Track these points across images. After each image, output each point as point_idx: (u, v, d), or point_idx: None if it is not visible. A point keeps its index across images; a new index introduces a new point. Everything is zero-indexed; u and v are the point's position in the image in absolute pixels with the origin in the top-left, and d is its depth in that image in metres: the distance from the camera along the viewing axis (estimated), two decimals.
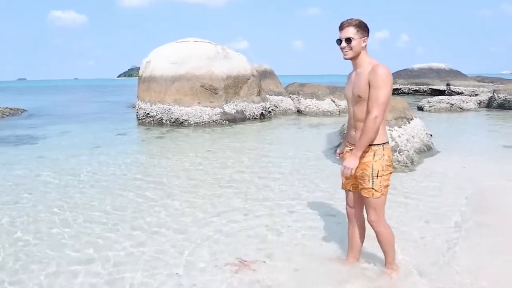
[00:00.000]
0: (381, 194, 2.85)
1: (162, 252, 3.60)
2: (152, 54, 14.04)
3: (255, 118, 13.54)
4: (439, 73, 29.19)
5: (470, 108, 17.04)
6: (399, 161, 6.64)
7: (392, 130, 7.23)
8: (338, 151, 3.33)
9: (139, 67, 14.82)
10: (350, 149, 2.94)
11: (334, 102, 16.76)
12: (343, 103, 16.94)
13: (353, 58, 2.86)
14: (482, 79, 28.10)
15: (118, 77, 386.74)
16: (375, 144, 2.80)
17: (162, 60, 13.40)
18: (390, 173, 2.89)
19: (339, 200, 4.92)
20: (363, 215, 3.14)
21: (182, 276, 3.17)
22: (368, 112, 2.73)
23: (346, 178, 3.04)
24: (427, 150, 7.71)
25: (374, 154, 2.81)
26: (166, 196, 5.31)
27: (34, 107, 21.64)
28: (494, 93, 17.97)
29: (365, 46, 2.84)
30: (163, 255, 3.54)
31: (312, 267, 3.30)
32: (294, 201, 4.97)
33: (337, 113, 16.15)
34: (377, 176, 2.82)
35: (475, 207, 4.74)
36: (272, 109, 14.83)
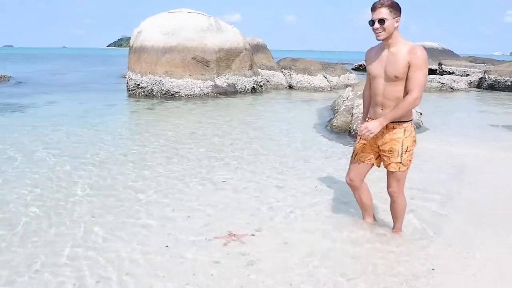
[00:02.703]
0: (406, 168, 3.03)
1: (151, 225, 3.63)
2: (143, 23, 13.75)
3: (246, 92, 13.47)
4: (431, 52, 29.10)
5: (461, 88, 17.13)
6: None
7: None
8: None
9: (129, 37, 14.54)
10: None
11: (326, 78, 16.72)
12: (334, 79, 16.90)
13: (386, 38, 2.85)
14: (473, 59, 28.14)
15: (107, 46, 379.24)
16: (405, 121, 2.93)
17: (153, 31, 13.15)
18: (414, 147, 3.04)
19: (328, 175, 4.98)
20: (364, 181, 3.37)
21: (171, 248, 3.21)
22: (408, 92, 2.78)
23: (363, 151, 3.17)
24: (416, 128, 7.76)
25: (404, 131, 2.94)
26: (155, 168, 5.31)
27: (22, 75, 21.20)
28: (485, 74, 18.05)
29: (397, 26, 2.83)
30: (152, 228, 3.58)
31: (300, 240, 3.36)
32: (284, 176, 5.02)
33: (329, 89, 16.14)
34: (406, 151, 2.97)
35: (462, 182, 4.84)
36: (263, 84, 14.76)
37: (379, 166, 3.28)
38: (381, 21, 2.77)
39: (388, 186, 3.17)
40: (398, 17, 2.81)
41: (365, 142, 3.15)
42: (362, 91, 3.43)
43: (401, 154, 2.97)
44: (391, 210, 3.35)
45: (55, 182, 4.68)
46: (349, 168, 3.35)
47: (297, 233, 3.49)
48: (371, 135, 2.87)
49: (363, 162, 3.23)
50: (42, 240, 3.30)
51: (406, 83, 2.82)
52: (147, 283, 2.73)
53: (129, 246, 3.23)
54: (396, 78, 2.83)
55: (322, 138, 7.20)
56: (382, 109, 2.96)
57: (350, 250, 3.20)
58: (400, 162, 3.00)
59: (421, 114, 8.49)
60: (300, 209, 3.99)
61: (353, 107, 7.75)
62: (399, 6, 2.81)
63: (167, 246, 3.25)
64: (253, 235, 3.44)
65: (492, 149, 6.65)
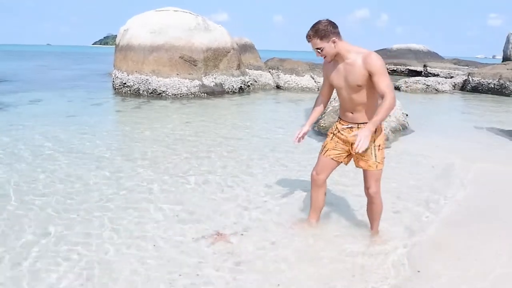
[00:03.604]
0: (382, 166, 3.12)
1: (138, 225, 3.60)
2: (130, 21, 13.62)
3: (234, 91, 13.45)
4: (417, 54, 29.46)
5: (445, 90, 17.36)
6: None
7: None
8: (300, 134, 3.32)
9: (115, 35, 14.40)
10: (348, 127, 3.11)
11: (313, 78, 16.78)
12: (321, 80, 16.96)
13: (336, 55, 2.94)
14: (458, 61, 28.57)
15: (93, 44, 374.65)
16: None
17: (140, 29, 13.03)
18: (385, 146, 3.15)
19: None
20: (326, 182, 3.41)
21: (157, 248, 3.18)
22: (382, 95, 2.81)
23: (335, 148, 3.22)
24: (402, 129, 7.86)
25: (376, 130, 2.98)
26: (141, 168, 5.26)
27: (4, 72, 20.80)
28: (469, 76, 18.33)
29: (339, 40, 2.88)
30: (140, 228, 3.54)
31: (288, 240, 3.37)
32: (271, 176, 5.02)
33: (316, 89, 16.18)
34: (379, 149, 3.06)
35: (446, 183, 4.91)
36: (251, 83, 14.75)
37: (346, 164, 3.36)
38: (319, 50, 2.89)
39: (368, 188, 3.21)
40: (333, 37, 2.85)
41: (338, 139, 3.21)
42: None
43: (375, 152, 3.06)
44: (368, 212, 3.40)
45: (35, 181, 4.60)
46: (317, 163, 3.37)
47: (285, 233, 3.49)
48: (365, 146, 2.74)
49: (332, 158, 3.27)
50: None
51: (371, 88, 2.90)
52: (132, 283, 2.70)
53: (115, 244, 3.20)
54: (359, 86, 2.93)
55: (309, 138, 7.22)
56: (352, 113, 3.07)
57: (337, 251, 3.22)
58: (376, 161, 3.07)
59: (407, 115, 8.58)
60: (288, 209, 3.99)
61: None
62: (328, 27, 2.84)
63: (154, 245, 3.22)
64: (242, 234, 3.44)
65: (477, 150, 6.76)
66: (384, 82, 2.80)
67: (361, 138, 2.73)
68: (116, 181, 4.70)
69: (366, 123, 2.99)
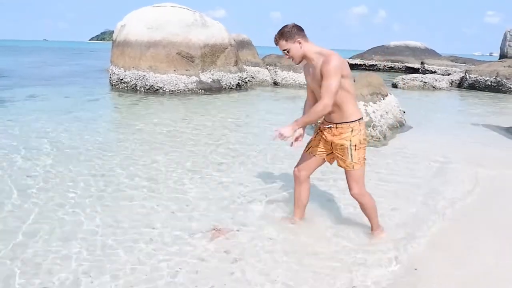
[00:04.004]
0: (360, 166, 3.07)
1: (135, 221, 3.59)
2: (127, 17, 13.56)
3: (231, 88, 13.42)
4: (414, 51, 29.50)
5: (442, 87, 17.40)
6: (372, 136, 6.77)
7: (367, 106, 7.34)
8: (293, 139, 3.35)
9: (112, 30, 14.34)
10: (328, 127, 3.13)
11: None
12: None
13: (303, 58, 3.04)
14: (455, 59, 28.60)
15: (90, 40, 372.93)
16: (352, 121, 3.02)
17: (137, 25, 12.97)
18: (366, 145, 3.12)
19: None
20: (309, 178, 3.45)
21: (155, 244, 3.18)
22: (320, 98, 2.89)
23: (318, 145, 3.27)
24: (399, 126, 7.87)
25: (352, 130, 3.02)
26: (138, 164, 5.25)
27: (0, 67, 20.70)
28: (466, 74, 18.36)
29: (305, 42, 2.98)
30: (136, 223, 3.54)
31: (285, 236, 3.37)
32: (269, 172, 5.02)
33: None
34: (355, 149, 3.03)
35: (443, 180, 4.92)
36: (248, 80, 14.72)
37: (331, 163, 3.38)
38: (286, 51, 3.01)
39: (350, 189, 3.19)
40: (299, 38, 2.96)
41: (321, 138, 3.24)
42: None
43: (351, 152, 3.04)
44: (363, 212, 3.36)
45: (30, 176, 4.58)
46: (299, 160, 3.43)
47: (282, 229, 3.50)
48: (285, 139, 3.00)
49: (314, 155, 3.30)
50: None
51: (340, 88, 2.91)
52: (130, 279, 2.70)
53: (112, 240, 3.19)
54: None
55: (306, 135, 7.21)
56: (329, 113, 3.07)
57: (335, 247, 3.22)
58: (352, 161, 3.05)
59: (404, 112, 8.59)
60: (285, 205, 3.99)
61: None
62: (293, 29, 2.96)
63: (151, 239, 3.22)
64: (238, 230, 3.44)
65: (474, 147, 6.78)
66: (324, 86, 2.86)
67: (279, 129, 2.95)
68: (113, 177, 4.68)
69: (343, 123, 3.03)
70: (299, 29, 2.99)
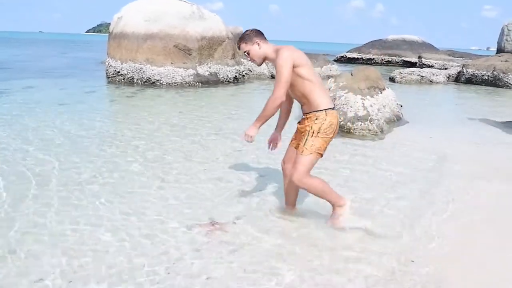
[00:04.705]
0: (310, 153, 3.07)
1: (131, 213, 3.59)
2: (124, 9, 13.46)
3: (228, 81, 13.38)
4: (411, 45, 29.50)
5: (440, 81, 17.42)
6: (369, 130, 6.79)
7: (364, 99, 7.34)
8: (270, 141, 3.57)
9: (109, 23, 14.24)
10: (302, 118, 3.23)
11: None
12: (317, 70, 16.94)
13: (265, 59, 3.19)
14: (452, 53, 28.63)
15: (86, 32, 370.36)
16: (318, 110, 3.08)
17: (134, 17, 12.88)
18: (330, 138, 3.12)
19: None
20: None
21: (151, 236, 3.18)
22: (273, 90, 2.98)
23: (295, 137, 3.34)
24: (396, 120, 7.89)
25: (316, 118, 3.07)
26: (133, 157, 5.23)
27: None
28: (463, 68, 18.37)
29: (263, 43, 3.15)
30: (133, 216, 3.53)
31: (281, 228, 3.38)
32: (265, 166, 5.02)
33: None
34: (312, 135, 3.06)
35: (440, 174, 4.94)
36: (246, 73, 14.68)
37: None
38: (247, 53, 3.18)
39: (292, 175, 3.19)
40: (257, 40, 3.14)
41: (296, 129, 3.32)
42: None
43: (307, 137, 3.07)
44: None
45: (27, 170, 4.56)
46: (285, 152, 3.51)
47: (279, 221, 3.50)
48: (251, 139, 3.13)
49: (295, 147, 3.34)
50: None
51: (299, 79, 3.05)
52: (126, 271, 2.70)
53: (108, 233, 3.19)
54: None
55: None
56: (302, 105, 3.20)
57: (332, 240, 3.23)
58: (304, 145, 3.07)
59: (401, 106, 8.60)
60: (282, 198, 4.00)
61: (335, 98, 7.78)
62: (252, 32, 3.16)
63: (147, 234, 3.22)
64: (234, 223, 3.44)
65: (471, 141, 6.79)
66: (276, 79, 2.98)
67: (245, 132, 3.11)
68: (108, 170, 4.67)
69: (311, 112, 3.09)
70: (258, 33, 3.18)
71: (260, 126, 3.13)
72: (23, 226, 3.27)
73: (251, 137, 3.11)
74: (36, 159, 4.93)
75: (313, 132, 3.05)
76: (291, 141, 3.43)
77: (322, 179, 3.31)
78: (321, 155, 3.14)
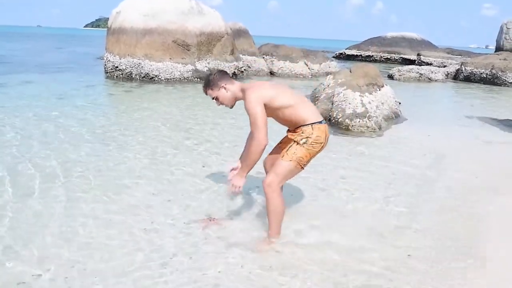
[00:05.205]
0: (290, 160, 2.92)
1: (129, 209, 3.59)
2: (122, 4, 13.37)
3: None
4: (411, 42, 29.49)
5: (438, 79, 17.43)
6: (367, 127, 6.79)
7: (363, 96, 7.35)
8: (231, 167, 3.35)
9: (107, 17, 14.18)
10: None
11: (307, 65, 16.74)
12: (315, 67, 16.96)
13: (236, 99, 3.09)
14: (451, 51, 28.64)
15: (84, 27, 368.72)
16: (304, 125, 2.97)
17: (133, 12, 12.82)
18: (315, 151, 2.97)
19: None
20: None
21: (149, 231, 3.18)
22: (252, 134, 2.88)
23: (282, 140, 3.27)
24: (395, 117, 7.90)
25: (302, 132, 2.96)
26: (131, 152, 5.22)
27: None
28: (462, 66, 18.39)
29: (230, 84, 3.05)
30: (130, 212, 3.53)
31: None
32: (261, 161, 5.00)
33: (310, 76, 16.17)
34: (298, 144, 2.94)
35: (438, 171, 4.95)
36: (244, 69, 14.66)
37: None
38: (216, 99, 3.10)
39: (265, 179, 2.99)
40: (223, 85, 3.03)
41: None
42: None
43: (291, 145, 2.97)
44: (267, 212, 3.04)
45: (26, 164, 4.56)
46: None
47: None
48: (239, 189, 2.94)
49: (276, 149, 3.30)
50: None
51: (273, 109, 2.95)
52: (125, 265, 2.71)
53: (107, 228, 3.19)
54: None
55: None
56: (288, 127, 3.11)
57: (329, 235, 3.24)
58: (286, 152, 2.95)
59: (399, 103, 8.61)
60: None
61: (333, 95, 7.79)
62: (215, 76, 3.05)
63: (145, 229, 3.22)
64: (232, 218, 3.45)
65: (468, 139, 6.81)
66: (251, 124, 2.86)
67: (232, 182, 2.94)
68: (105, 165, 4.66)
69: (299, 127, 2.98)
70: (222, 75, 3.08)
71: (246, 175, 2.96)
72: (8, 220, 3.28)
73: (239, 187, 2.92)
74: (34, 152, 4.92)
75: (298, 142, 2.94)
76: (278, 143, 3.34)
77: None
78: (302, 168, 2.98)
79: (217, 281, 2.58)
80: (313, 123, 2.97)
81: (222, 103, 3.11)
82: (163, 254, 2.86)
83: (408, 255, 2.98)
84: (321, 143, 2.97)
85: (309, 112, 3.01)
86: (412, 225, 3.48)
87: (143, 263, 2.74)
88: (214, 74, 3.07)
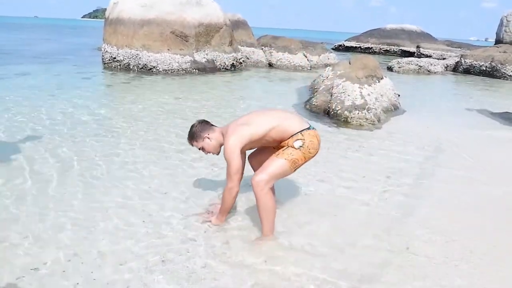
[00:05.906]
0: (285, 158, 2.91)
1: (127, 202, 3.57)
2: None
3: (225, 68, 13.29)
4: (410, 34, 29.37)
5: (437, 71, 17.38)
6: (366, 119, 6.76)
7: (362, 88, 7.31)
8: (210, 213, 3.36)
9: (105, 8, 14.06)
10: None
11: (306, 57, 16.66)
12: (314, 59, 16.89)
13: (220, 145, 3.15)
14: (450, 43, 28.56)
15: (82, 17, 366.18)
16: (293, 135, 2.96)
17: (131, 2, 12.70)
18: (310, 156, 2.99)
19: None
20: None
21: (147, 224, 3.17)
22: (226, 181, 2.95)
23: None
24: (394, 109, 7.87)
25: (295, 140, 2.95)
26: (128, 145, 5.19)
27: None
28: (461, 58, 18.33)
29: (212, 133, 3.13)
30: (128, 204, 3.52)
31: (277, 217, 3.37)
32: None
33: (309, 68, 16.10)
34: (293, 147, 2.93)
35: (436, 164, 4.94)
36: (243, 61, 14.58)
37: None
38: (202, 149, 3.18)
39: (255, 175, 2.96)
40: (206, 136, 3.12)
41: None
42: None
43: (287, 147, 2.95)
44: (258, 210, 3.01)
45: (21, 156, 4.52)
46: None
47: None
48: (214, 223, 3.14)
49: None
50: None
51: (254, 142, 3.01)
52: (121, 258, 2.69)
53: (105, 221, 3.18)
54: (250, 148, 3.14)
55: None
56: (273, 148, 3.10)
57: (328, 227, 3.23)
58: (283, 151, 2.94)
59: (399, 95, 8.58)
60: (278, 188, 3.98)
61: (332, 87, 7.75)
62: (197, 128, 3.15)
63: (143, 221, 3.20)
64: (231, 212, 3.42)
65: (468, 132, 6.79)
66: (227, 170, 2.92)
67: (212, 220, 3.16)
68: (102, 158, 4.63)
69: (290, 137, 2.96)
70: (203, 125, 3.17)
71: (225, 218, 3.16)
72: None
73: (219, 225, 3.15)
74: (32, 144, 4.89)
75: (293, 147, 2.93)
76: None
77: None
78: (293, 170, 2.97)
79: (214, 275, 2.57)
80: (301, 131, 2.97)
81: (209, 152, 3.19)
82: (161, 247, 2.84)
83: (407, 248, 2.97)
84: (315, 148, 2.99)
85: (295, 123, 3.02)
86: (411, 218, 3.47)
87: (140, 256, 2.73)
88: (196, 126, 3.16)
